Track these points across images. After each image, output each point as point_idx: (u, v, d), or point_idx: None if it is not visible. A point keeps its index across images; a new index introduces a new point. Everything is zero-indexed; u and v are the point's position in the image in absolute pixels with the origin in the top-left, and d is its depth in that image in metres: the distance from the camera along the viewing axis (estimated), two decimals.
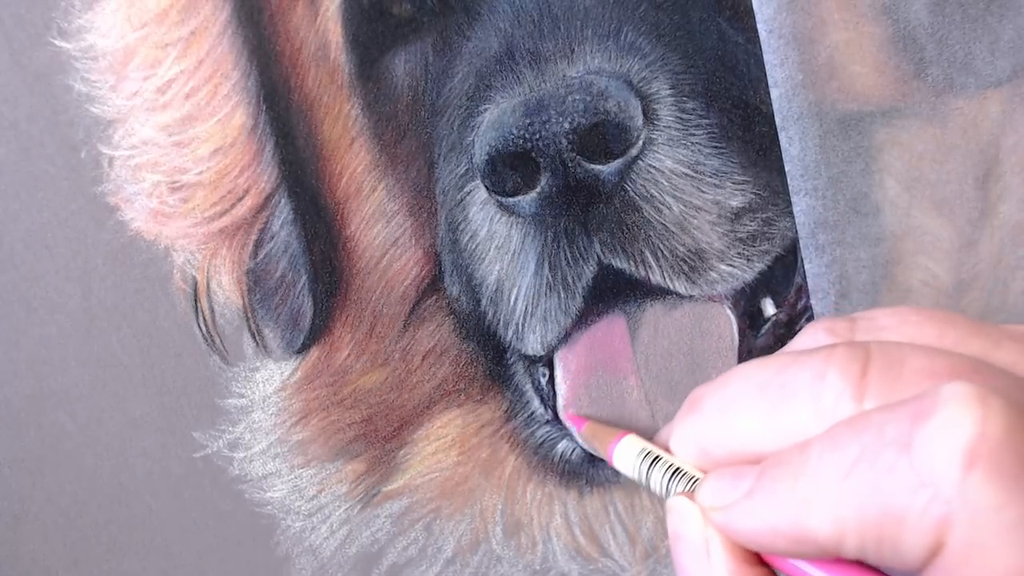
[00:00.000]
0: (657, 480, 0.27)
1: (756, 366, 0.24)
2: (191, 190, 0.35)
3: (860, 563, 0.21)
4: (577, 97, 0.33)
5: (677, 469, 0.26)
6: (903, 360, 0.22)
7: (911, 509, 0.19)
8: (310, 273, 0.36)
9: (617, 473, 0.38)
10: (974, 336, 0.23)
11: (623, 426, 0.37)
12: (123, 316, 0.36)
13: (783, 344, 0.37)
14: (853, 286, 0.37)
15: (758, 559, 0.23)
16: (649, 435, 0.38)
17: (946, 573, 0.19)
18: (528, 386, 0.38)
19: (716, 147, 0.35)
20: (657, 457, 0.28)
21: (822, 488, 0.20)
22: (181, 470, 0.38)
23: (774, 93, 0.35)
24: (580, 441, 0.38)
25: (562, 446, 0.38)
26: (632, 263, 0.35)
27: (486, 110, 0.34)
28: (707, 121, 0.35)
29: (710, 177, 0.35)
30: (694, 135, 0.34)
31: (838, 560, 0.22)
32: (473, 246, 0.36)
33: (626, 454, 0.31)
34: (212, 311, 0.36)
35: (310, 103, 0.35)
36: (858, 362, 0.22)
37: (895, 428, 0.20)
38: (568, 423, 0.37)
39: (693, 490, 0.25)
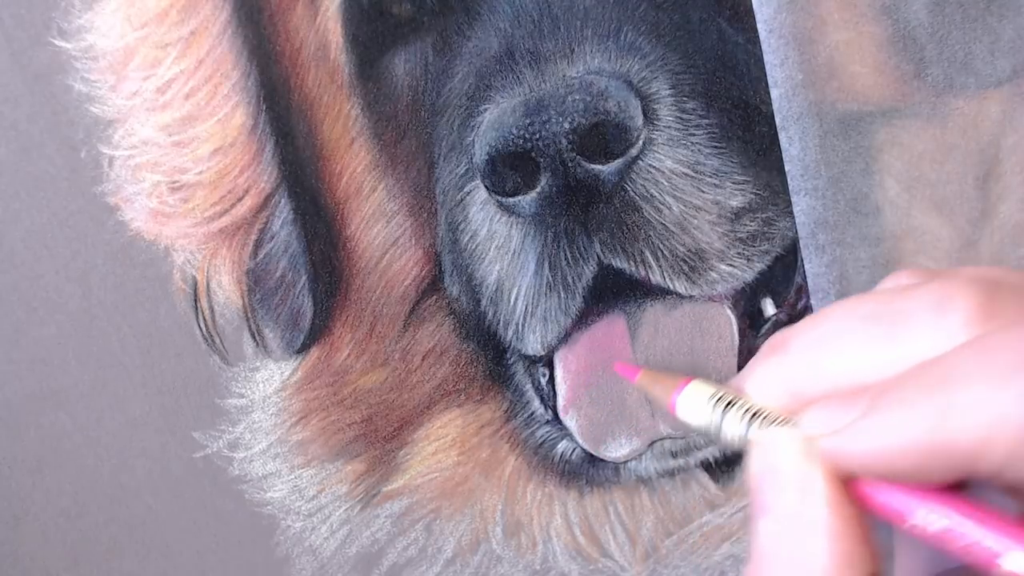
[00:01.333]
0: (734, 425, 0.25)
1: (854, 301, 0.23)
2: (191, 190, 0.35)
3: (960, 495, 0.20)
4: (577, 97, 0.33)
5: (758, 411, 0.24)
6: None
7: None
8: (310, 273, 0.36)
9: (617, 473, 0.38)
10: None
11: (625, 426, 0.37)
12: (123, 316, 0.36)
13: None
14: (853, 286, 0.37)
15: (854, 499, 0.22)
16: (652, 435, 0.38)
17: None
18: (528, 386, 0.38)
19: (716, 147, 0.35)
20: (732, 400, 0.25)
21: (972, 395, 0.19)
22: (181, 470, 0.38)
23: (774, 93, 0.35)
24: (580, 440, 0.38)
25: (562, 446, 0.38)
26: (632, 263, 0.35)
27: (486, 110, 0.34)
28: (707, 121, 0.35)
29: (710, 177, 0.35)
30: (694, 135, 0.34)
31: (947, 489, 0.20)
32: (473, 246, 0.36)
33: (694, 401, 0.27)
34: (212, 311, 0.36)
35: (310, 103, 0.35)
36: (985, 288, 0.21)
37: None
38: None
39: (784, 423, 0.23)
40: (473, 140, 0.35)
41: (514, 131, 0.33)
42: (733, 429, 0.25)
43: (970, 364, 0.20)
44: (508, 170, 0.34)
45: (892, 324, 0.22)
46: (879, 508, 0.22)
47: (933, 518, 0.20)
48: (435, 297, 0.37)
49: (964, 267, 0.25)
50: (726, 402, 0.25)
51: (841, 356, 0.22)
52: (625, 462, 0.38)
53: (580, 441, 0.38)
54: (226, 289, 0.36)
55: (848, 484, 0.22)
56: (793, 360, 0.23)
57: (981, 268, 0.24)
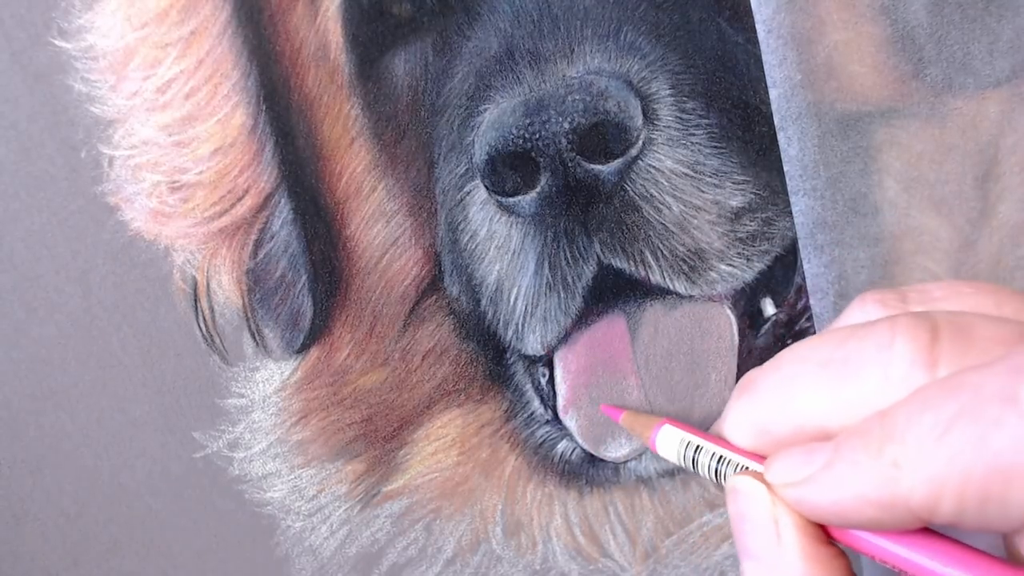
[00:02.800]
0: (705, 467, 0.27)
1: (811, 344, 0.24)
2: (191, 190, 0.35)
3: (934, 534, 0.21)
4: (577, 97, 0.33)
5: (723, 457, 0.26)
6: (971, 328, 0.21)
7: (1022, 462, 0.18)
8: (310, 273, 0.36)
9: (617, 473, 0.39)
10: None
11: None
12: (123, 316, 0.36)
13: (783, 344, 0.38)
14: (852, 286, 0.37)
15: (827, 538, 0.23)
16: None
17: None
18: (528, 386, 0.38)
19: (716, 147, 0.35)
20: (699, 446, 0.28)
21: (915, 450, 0.20)
22: (181, 470, 0.38)
23: (773, 93, 0.35)
24: (580, 440, 0.38)
25: (562, 446, 0.38)
26: (632, 263, 0.35)
27: (486, 110, 0.34)
28: (707, 121, 0.35)
29: (710, 177, 0.35)
30: (694, 135, 0.34)
31: (917, 531, 0.21)
32: (473, 246, 0.36)
33: (668, 443, 0.30)
34: (212, 311, 0.36)
35: (310, 103, 0.35)
36: (927, 331, 0.21)
37: (995, 384, 0.19)
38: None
39: (756, 471, 0.24)
40: (473, 140, 0.35)
41: (514, 131, 0.33)
42: (704, 472, 0.27)
43: (913, 419, 0.20)
44: (508, 170, 0.34)
45: (842, 371, 0.22)
46: (854, 546, 0.22)
47: (905, 557, 0.21)
48: (435, 297, 0.37)
49: (919, 289, 0.25)
50: (695, 448, 0.28)
51: (801, 400, 0.23)
52: (625, 462, 0.38)
53: (580, 441, 0.38)
54: (226, 289, 0.36)
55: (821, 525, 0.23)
56: (760, 401, 0.24)
57: (933, 290, 0.25)
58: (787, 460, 0.23)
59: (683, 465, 0.29)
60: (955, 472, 0.19)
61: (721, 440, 0.26)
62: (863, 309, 0.25)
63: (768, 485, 0.23)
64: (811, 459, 0.22)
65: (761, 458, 0.25)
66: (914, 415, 0.20)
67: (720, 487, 0.26)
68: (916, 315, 0.22)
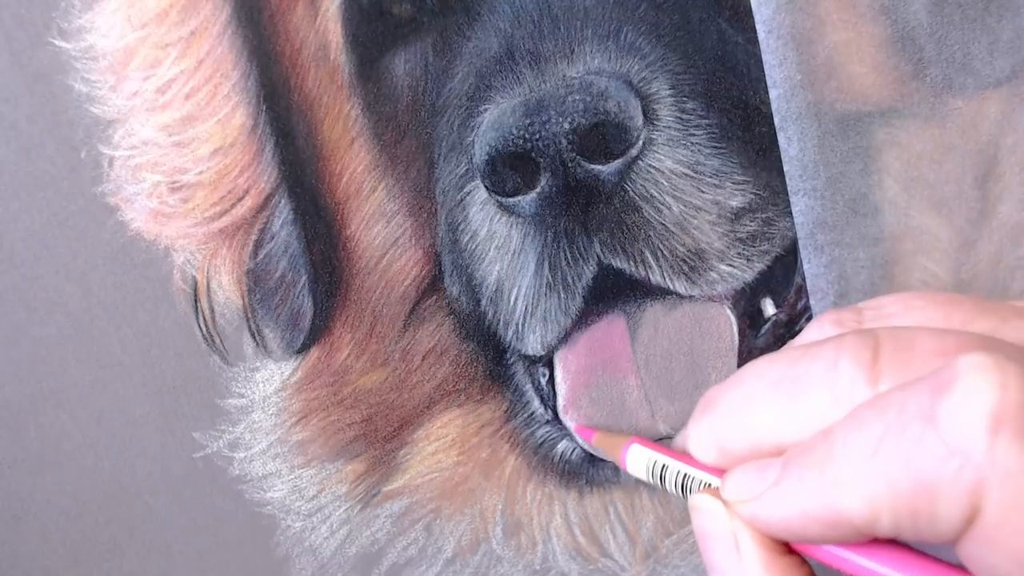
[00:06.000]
0: (672, 483, 0.28)
1: (766, 363, 0.24)
2: (191, 190, 0.35)
3: (892, 543, 0.22)
4: (577, 97, 0.33)
5: (687, 474, 0.27)
6: (912, 342, 0.22)
7: (943, 478, 0.19)
8: (310, 273, 0.36)
9: (617, 473, 0.39)
10: (980, 315, 0.24)
11: (625, 426, 0.37)
12: (123, 316, 0.36)
13: (783, 344, 0.38)
14: (852, 286, 0.37)
15: (788, 548, 0.23)
16: (652, 435, 0.38)
17: (983, 538, 0.19)
18: (528, 386, 0.38)
19: (716, 147, 0.35)
20: (665, 464, 0.29)
21: (851, 469, 0.21)
22: (181, 470, 0.38)
23: (773, 93, 0.35)
24: (580, 441, 0.38)
25: (562, 446, 0.39)
26: (632, 263, 0.35)
27: (486, 110, 0.34)
28: (707, 121, 0.35)
29: (710, 177, 0.35)
30: (694, 135, 0.34)
31: (872, 542, 0.22)
32: (473, 246, 0.36)
33: (637, 462, 0.31)
34: (212, 311, 0.36)
35: (310, 103, 0.35)
36: (868, 348, 0.22)
37: (917, 402, 0.20)
38: (577, 436, 0.38)
39: (715, 487, 0.25)
40: (473, 140, 0.35)
41: (514, 131, 0.33)
42: (672, 489, 0.28)
43: (848, 438, 0.21)
44: (508, 170, 0.34)
45: (792, 389, 0.23)
46: (812, 556, 0.23)
47: (861, 565, 0.22)
48: (435, 297, 0.37)
49: (874, 304, 0.26)
50: (661, 465, 0.29)
51: (756, 418, 0.24)
52: None
53: (580, 441, 0.38)
54: (226, 289, 0.36)
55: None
56: (719, 419, 0.25)
57: (886, 304, 0.25)
58: (741, 477, 0.24)
59: (652, 482, 0.30)
60: (887, 490, 0.20)
61: (686, 456, 0.27)
62: (820, 328, 0.26)
63: (724, 502, 0.24)
64: (763, 476, 0.23)
65: (722, 473, 0.25)
66: (850, 434, 0.21)
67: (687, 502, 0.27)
68: (860, 333, 0.23)
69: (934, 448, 0.19)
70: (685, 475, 0.27)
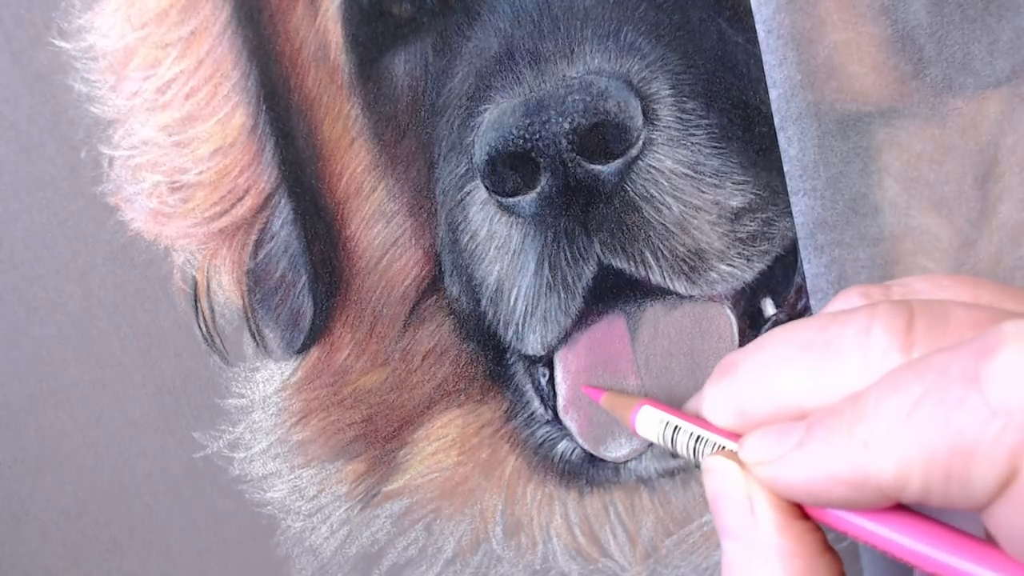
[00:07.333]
0: (683, 447, 0.28)
1: (793, 328, 0.24)
2: (191, 190, 0.35)
3: (906, 510, 0.22)
4: (577, 97, 0.33)
5: (700, 436, 0.27)
6: (946, 314, 0.22)
7: (983, 439, 0.19)
8: (310, 273, 0.36)
9: (617, 473, 0.39)
10: (1008, 298, 0.24)
11: (623, 425, 0.37)
12: (123, 316, 0.36)
13: None
14: (852, 286, 0.37)
15: (803, 513, 0.23)
16: None
17: (1019, 502, 0.19)
18: (528, 386, 0.38)
19: (716, 147, 0.35)
20: (678, 426, 0.28)
21: (883, 430, 0.20)
22: (181, 470, 0.38)
23: (773, 93, 0.35)
24: (580, 440, 0.38)
25: (562, 446, 0.39)
26: (632, 263, 0.35)
27: (486, 110, 0.34)
28: (707, 121, 0.35)
29: (710, 177, 0.35)
30: (694, 135, 0.34)
31: (887, 509, 0.22)
32: (473, 246, 0.36)
33: (648, 423, 0.31)
34: (212, 311, 0.36)
35: (310, 103, 0.35)
36: (903, 317, 0.22)
37: (960, 365, 0.20)
38: (584, 398, 0.37)
39: (730, 451, 0.25)
40: (473, 140, 0.35)
41: (514, 131, 0.33)
42: (683, 451, 0.28)
43: (882, 400, 0.21)
44: (508, 170, 0.34)
45: (823, 353, 0.23)
46: (828, 523, 0.23)
47: (877, 533, 0.22)
48: (435, 297, 0.37)
49: (901, 282, 0.26)
50: (673, 428, 0.28)
51: (781, 381, 0.24)
52: (625, 462, 0.38)
53: (580, 441, 0.38)
54: (226, 289, 0.36)
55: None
56: (740, 383, 0.25)
57: (914, 283, 0.25)
58: (761, 439, 0.23)
59: (662, 444, 0.30)
60: (921, 451, 0.20)
61: (700, 420, 0.27)
62: (847, 300, 0.26)
63: (741, 464, 0.24)
64: (784, 438, 0.23)
65: (738, 437, 0.25)
66: (883, 396, 0.21)
67: (698, 466, 0.26)
68: (894, 303, 0.23)
69: (976, 409, 0.19)
70: (698, 437, 0.27)
